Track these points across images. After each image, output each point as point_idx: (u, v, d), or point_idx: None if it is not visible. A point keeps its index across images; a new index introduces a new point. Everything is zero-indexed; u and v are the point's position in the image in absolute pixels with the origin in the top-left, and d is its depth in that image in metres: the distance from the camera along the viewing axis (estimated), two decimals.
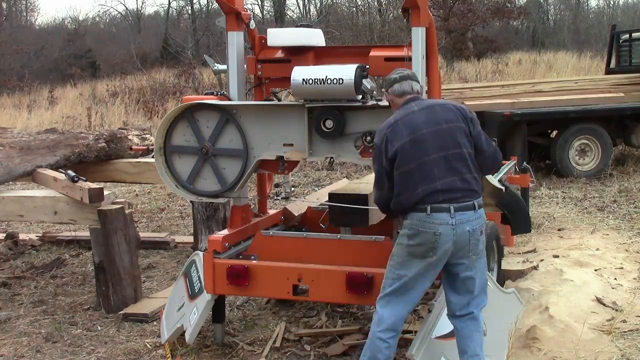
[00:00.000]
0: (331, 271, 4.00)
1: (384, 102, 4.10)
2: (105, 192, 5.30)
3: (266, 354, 4.47)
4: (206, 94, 4.56)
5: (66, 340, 4.85)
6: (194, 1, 40.97)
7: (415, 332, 3.81)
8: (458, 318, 3.57)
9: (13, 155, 5.62)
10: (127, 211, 5.42)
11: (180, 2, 51.43)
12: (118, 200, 5.64)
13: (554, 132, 10.66)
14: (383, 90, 3.72)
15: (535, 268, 5.65)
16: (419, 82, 3.67)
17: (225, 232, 4.47)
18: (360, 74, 3.89)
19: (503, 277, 5.29)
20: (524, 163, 7.18)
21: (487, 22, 29.51)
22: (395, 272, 3.50)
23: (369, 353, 3.52)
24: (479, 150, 3.52)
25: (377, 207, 3.69)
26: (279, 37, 4.51)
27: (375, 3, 26.23)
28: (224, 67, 4.63)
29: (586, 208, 8.32)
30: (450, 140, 3.44)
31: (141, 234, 7.00)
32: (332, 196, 4.64)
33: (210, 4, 37.37)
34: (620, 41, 12.20)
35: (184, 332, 4.42)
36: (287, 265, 4.12)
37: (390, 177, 3.47)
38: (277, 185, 8.93)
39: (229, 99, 4.44)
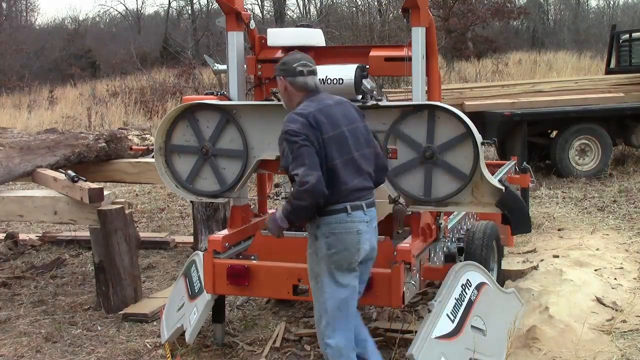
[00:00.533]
0: None
1: (384, 102, 4.10)
2: (105, 192, 5.30)
3: (266, 354, 4.47)
4: (206, 94, 4.56)
5: (66, 340, 4.86)
6: (194, 1, 40.98)
7: (415, 332, 3.81)
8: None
9: (13, 155, 5.62)
10: (127, 211, 5.42)
11: (180, 2, 51.43)
12: (118, 200, 5.64)
13: (554, 132, 10.65)
14: (276, 73, 3.58)
15: (535, 268, 5.65)
16: (314, 76, 3.53)
17: (225, 232, 4.47)
18: (360, 74, 3.89)
19: (503, 277, 5.29)
20: (524, 163, 7.18)
21: (487, 22, 29.51)
22: (330, 297, 3.36)
23: None
24: (377, 151, 3.59)
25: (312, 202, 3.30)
26: (279, 37, 4.51)
27: (375, 3, 26.23)
28: (224, 67, 4.63)
29: (586, 208, 8.32)
30: (362, 139, 3.46)
31: (141, 234, 7.00)
32: None
33: (210, 4, 37.37)
34: (620, 41, 12.20)
35: (184, 332, 4.42)
36: (287, 265, 4.12)
37: (320, 160, 3.30)
38: (277, 185, 8.92)
39: (229, 99, 4.44)
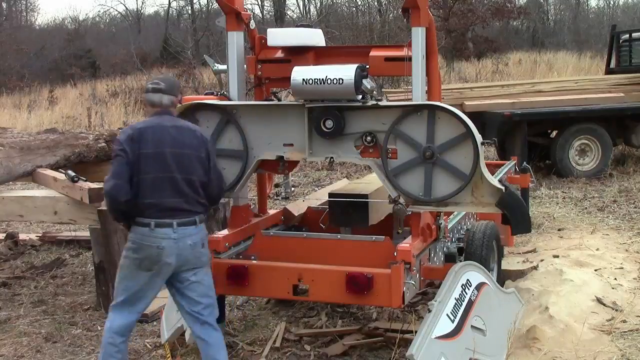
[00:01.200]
0: (331, 271, 4.00)
1: (384, 102, 4.10)
2: None
3: (266, 354, 4.47)
4: (206, 94, 4.56)
5: (66, 340, 4.86)
6: (194, 1, 40.96)
7: (415, 332, 3.81)
8: (201, 326, 3.79)
9: (13, 155, 5.62)
10: None
11: (180, 2, 51.41)
12: None
13: (554, 132, 10.65)
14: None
15: (535, 268, 5.65)
16: (174, 96, 3.80)
17: (225, 232, 4.47)
18: (360, 74, 3.89)
19: (503, 277, 5.30)
20: (524, 163, 7.18)
21: (487, 22, 29.49)
22: (124, 283, 3.71)
23: (101, 359, 3.72)
24: (209, 179, 3.78)
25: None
26: (279, 37, 4.51)
27: (375, 3, 26.26)
28: (224, 67, 4.63)
29: (586, 208, 8.32)
30: (187, 165, 3.68)
31: None
32: (332, 196, 4.64)
33: (210, 4, 37.35)
34: (620, 41, 12.20)
35: (184, 332, 4.42)
36: (287, 265, 4.12)
37: (130, 171, 3.60)
38: (277, 185, 8.93)
39: (229, 99, 4.44)
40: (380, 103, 4.02)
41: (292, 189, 9.53)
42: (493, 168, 6.09)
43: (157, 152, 3.62)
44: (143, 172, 3.59)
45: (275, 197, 7.64)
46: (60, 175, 5.51)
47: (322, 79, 3.88)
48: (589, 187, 9.49)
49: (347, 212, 4.52)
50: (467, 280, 4.05)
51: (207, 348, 3.78)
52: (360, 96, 3.95)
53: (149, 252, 3.61)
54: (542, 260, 5.85)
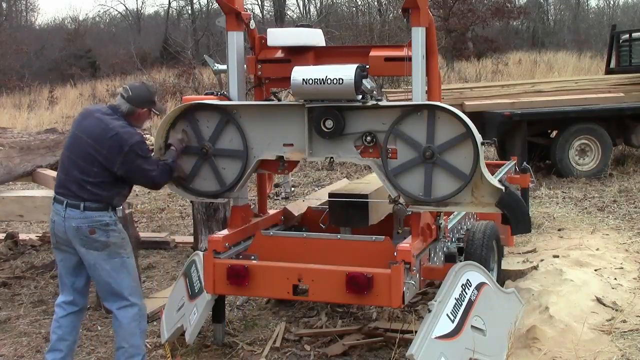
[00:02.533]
0: (331, 271, 4.00)
1: (384, 102, 4.10)
2: None
3: (266, 354, 4.47)
4: (206, 94, 4.56)
5: None
6: (194, 1, 40.99)
7: (415, 332, 3.81)
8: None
9: (13, 155, 5.63)
10: (127, 211, 5.41)
11: (180, 2, 51.41)
12: None
13: (554, 132, 10.66)
14: None
15: (535, 268, 5.65)
16: (136, 107, 4.05)
17: (225, 232, 4.46)
18: (360, 74, 3.89)
19: (503, 277, 5.30)
20: (524, 163, 7.18)
21: (487, 22, 29.52)
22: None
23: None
24: (105, 178, 3.96)
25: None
26: (279, 37, 4.51)
27: (375, 3, 26.26)
28: (224, 67, 4.63)
29: (586, 208, 8.32)
30: (83, 153, 3.94)
31: (141, 234, 6.99)
32: (332, 196, 4.64)
33: (210, 4, 37.37)
34: (620, 41, 12.21)
35: (184, 332, 4.42)
36: (287, 265, 4.11)
37: None
38: (277, 185, 8.93)
39: (229, 99, 4.43)
40: (380, 103, 4.02)
41: (292, 189, 9.54)
42: (493, 168, 6.09)
43: (73, 132, 4.03)
44: (64, 147, 4.09)
45: (275, 197, 7.65)
46: None
47: (322, 79, 3.88)
48: (589, 187, 9.49)
49: (347, 212, 4.52)
50: (467, 280, 4.05)
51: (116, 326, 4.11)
52: (360, 96, 3.95)
53: (50, 223, 4.05)
54: (542, 260, 5.85)
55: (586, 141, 10.11)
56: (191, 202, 7.16)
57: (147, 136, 7.05)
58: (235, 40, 4.41)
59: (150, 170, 4.00)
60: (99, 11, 71.31)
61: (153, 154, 4.46)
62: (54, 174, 5.62)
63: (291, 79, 3.96)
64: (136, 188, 10.62)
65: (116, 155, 3.89)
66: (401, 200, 3.98)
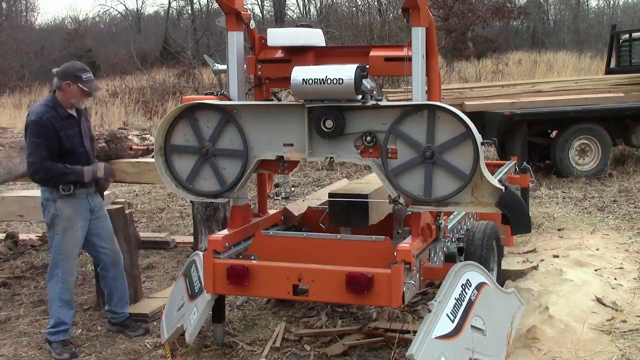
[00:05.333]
0: (331, 271, 4.00)
1: (384, 102, 4.10)
2: (105, 192, 5.29)
3: (266, 354, 4.47)
4: (206, 94, 4.55)
5: None
6: (194, 1, 41.00)
7: (415, 332, 3.81)
8: None
9: (13, 155, 5.62)
10: (127, 211, 5.42)
11: (180, 2, 51.42)
12: (118, 200, 5.64)
13: (554, 132, 10.66)
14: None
15: (535, 268, 5.65)
16: (60, 80, 4.50)
17: (225, 232, 4.46)
18: (360, 74, 3.89)
19: (503, 277, 5.30)
20: (524, 163, 7.18)
21: (487, 22, 29.55)
22: None
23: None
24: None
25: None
26: (279, 37, 4.51)
27: (375, 3, 26.27)
28: (224, 67, 4.63)
29: (586, 208, 8.32)
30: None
31: (141, 234, 6.98)
32: (332, 196, 4.64)
33: (210, 4, 37.38)
34: (620, 41, 12.20)
35: (184, 332, 4.42)
36: (287, 265, 4.11)
37: None
38: (277, 185, 8.93)
39: (229, 99, 4.43)
40: (380, 103, 4.02)
41: (292, 189, 9.54)
42: (493, 168, 6.09)
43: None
44: None
45: (275, 197, 7.63)
46: None
47: (322, 79, 3.88)
48: (589, 187, 9.49)
49: (347, 212, 4.52)
50: (467, 280, 4.05)
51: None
52: (360, 96, 3.95)
53: None
54: (542, 260, 5.85)
55: (586, 141, 10.11)
56: (191, 202, 7.16)
57: (147, 136, 7.06)
58: (235, 40, 4.41)
59: (30, 154, 4.44)
60: (99, 11, 71.37)
61: (153, 154, 4.46)
62: None
63: (291, 79, 3.96)
64: (136, 188, 10.66)
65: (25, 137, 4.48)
66: (401, 200, 3.98)
